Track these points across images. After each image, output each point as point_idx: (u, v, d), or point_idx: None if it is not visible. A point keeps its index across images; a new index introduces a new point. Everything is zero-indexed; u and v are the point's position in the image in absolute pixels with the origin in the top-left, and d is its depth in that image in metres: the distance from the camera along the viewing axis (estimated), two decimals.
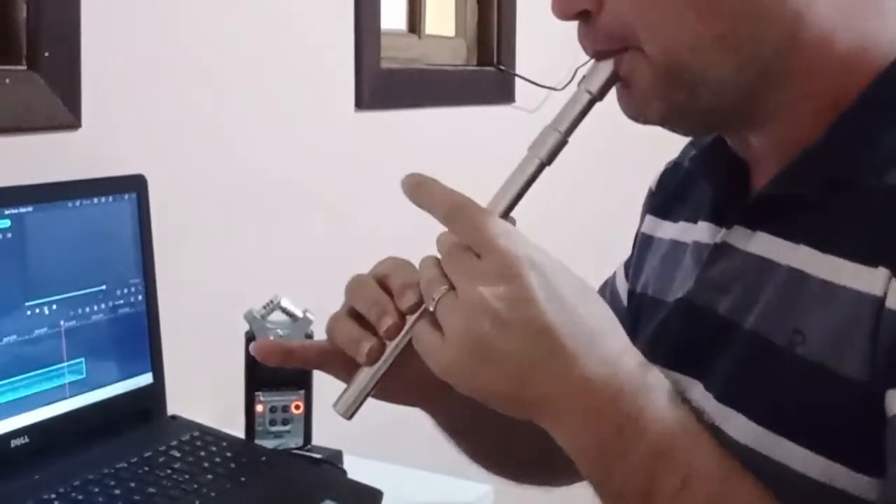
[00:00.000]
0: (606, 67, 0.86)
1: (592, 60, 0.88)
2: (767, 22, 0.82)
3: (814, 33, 0.83)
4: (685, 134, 0.91)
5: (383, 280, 0.86)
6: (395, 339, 0.84)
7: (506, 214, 0.84)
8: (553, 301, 0.76)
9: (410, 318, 0.83)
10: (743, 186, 0.92)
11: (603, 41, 0.86)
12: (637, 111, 0.88)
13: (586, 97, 0.86)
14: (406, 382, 0.91)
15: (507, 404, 0.79)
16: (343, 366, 0.90)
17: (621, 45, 0.85)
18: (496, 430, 1.02)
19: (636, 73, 0.85)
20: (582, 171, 2.71)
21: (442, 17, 2.47)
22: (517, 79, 2.47)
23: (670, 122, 0.88)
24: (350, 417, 0.87)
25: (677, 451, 0.74)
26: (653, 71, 0.84)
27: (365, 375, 0.86)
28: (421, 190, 0.83)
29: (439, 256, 0.81)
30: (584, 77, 0.87)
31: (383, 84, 2.11)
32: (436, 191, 0.83)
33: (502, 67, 2.48)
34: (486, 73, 2.48)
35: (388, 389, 0.90)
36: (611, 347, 0.77)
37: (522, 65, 2.48)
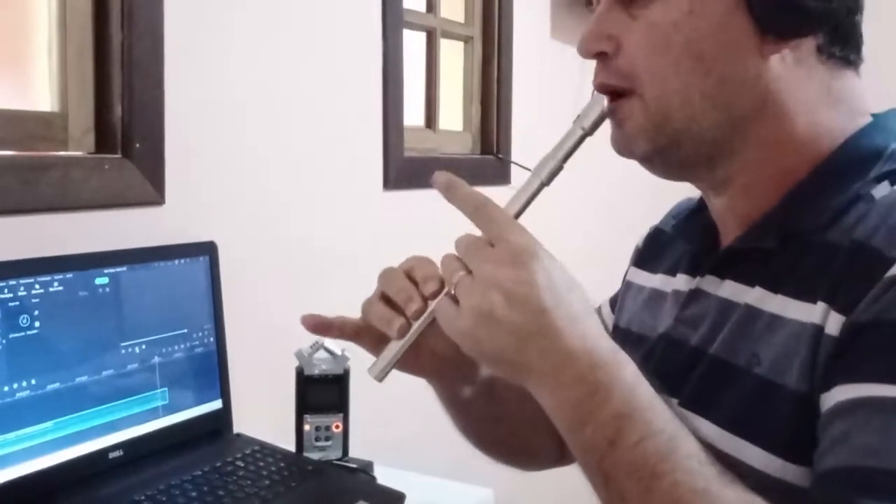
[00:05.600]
0: (597, 108, 0.88)
1: (587, 102, 0.90)
2: (743, 91, 0.84)
3: (776, 110, 0.85)
4: (659, 173, 0.92)
5: (409, 272, 0.89)
6: (419, 320, 0.87)
7: (515, 218, 0.87)
8: (550, 287, 0.77)
9: (431, 303, 0.85)
10: (713, 245, 0.95)
11: (613, 78, 0.88)
12: (625, 147, 0.90)
13: (579, 132, 0.89)
14: (423, 358, 0.95)
15: (503, 367, 0.81)
16: (371, 340, 0.93)
17: (626, 84, 0.87)
18: (482, 413, 1.07)
19: (631, 116, 0.87)
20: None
21: (452, 115, 2.53)
22: (513, 165, 2.51)
23: (650, 161, 0.90)
24: (381, 380, 0.90)
25: (637, 413, 0.75)
26: (645, 115, 0.86)
27: (394, 347, 0.88)
28: (452, 189, 0.85)
29: (457, 255, 0.84)
30: (578, 116, 0.90)
31: (406, 169, 2.15)
32: (463, 191, 0.85)
33: (500, 156, 2.53)
34: (487, 161, 2.53)
35: (409, 363, 0.93)
36: (590, 328, 0.79)
37: (517, 153, 2.53)
